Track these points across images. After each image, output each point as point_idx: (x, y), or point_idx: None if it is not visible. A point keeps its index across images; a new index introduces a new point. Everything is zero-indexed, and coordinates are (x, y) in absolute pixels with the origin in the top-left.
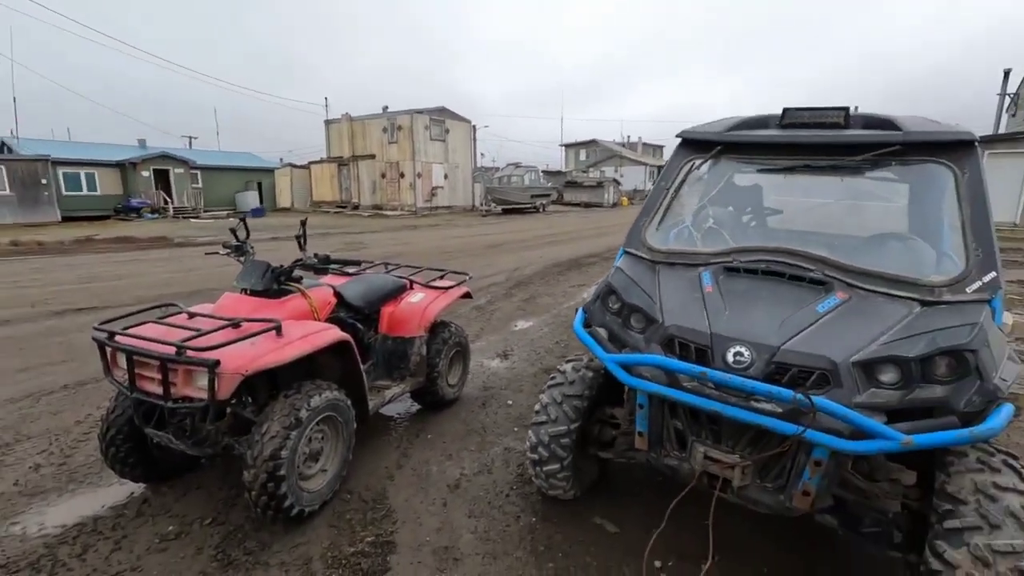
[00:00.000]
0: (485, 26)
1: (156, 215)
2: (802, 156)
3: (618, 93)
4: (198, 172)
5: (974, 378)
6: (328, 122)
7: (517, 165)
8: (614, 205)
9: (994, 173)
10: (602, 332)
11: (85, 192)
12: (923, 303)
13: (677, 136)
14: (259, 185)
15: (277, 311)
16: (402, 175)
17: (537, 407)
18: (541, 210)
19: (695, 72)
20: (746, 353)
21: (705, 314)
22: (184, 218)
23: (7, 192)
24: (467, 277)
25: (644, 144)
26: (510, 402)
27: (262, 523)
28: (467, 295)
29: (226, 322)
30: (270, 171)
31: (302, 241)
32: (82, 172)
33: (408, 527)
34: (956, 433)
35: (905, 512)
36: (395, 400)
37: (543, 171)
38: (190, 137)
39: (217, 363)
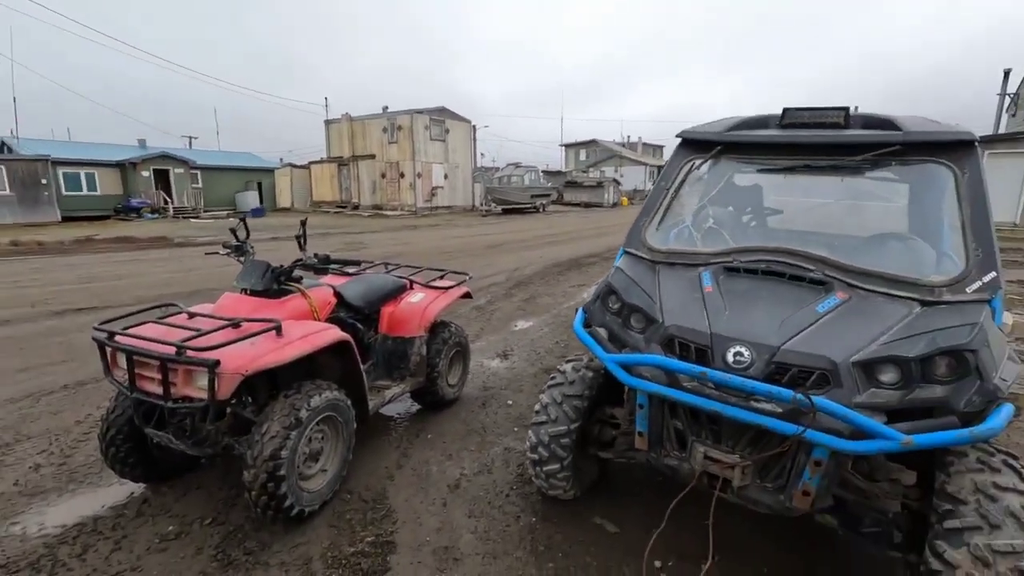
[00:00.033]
0: (485, 26)
1: (156, 215)
2: (802, 156)
3: (618, 93)
4: (198, 172)
5: (974, 378)
6: (328, 122)
7: (517, 165)
8: (614, 205)
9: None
10: (602, 332)
11: (85, 192)
12: (923, 303)
13: (677, 136)
14: (259, 185)
15: (277, 311)
16: (402, 175)
17: (537, 407)
18: (541, 210)
19: (695, 72)
20: (746, 353)
21: (705, 314)
22: (184, 218)
23: (7, 192)
24: (467, 277)
25: (644, 144)
26: (510, 402)
27: (262, 523)
28: (467, 295)
29: (226, 322)
30: (270, 171)
31: (302, 241)
32: (82, 172)
33: (408, 527)
34: (956, 433)
35: (905, 512)
36: (395, 400)
37: (543, 171)
38: (190, 137)
39: (217, 363)
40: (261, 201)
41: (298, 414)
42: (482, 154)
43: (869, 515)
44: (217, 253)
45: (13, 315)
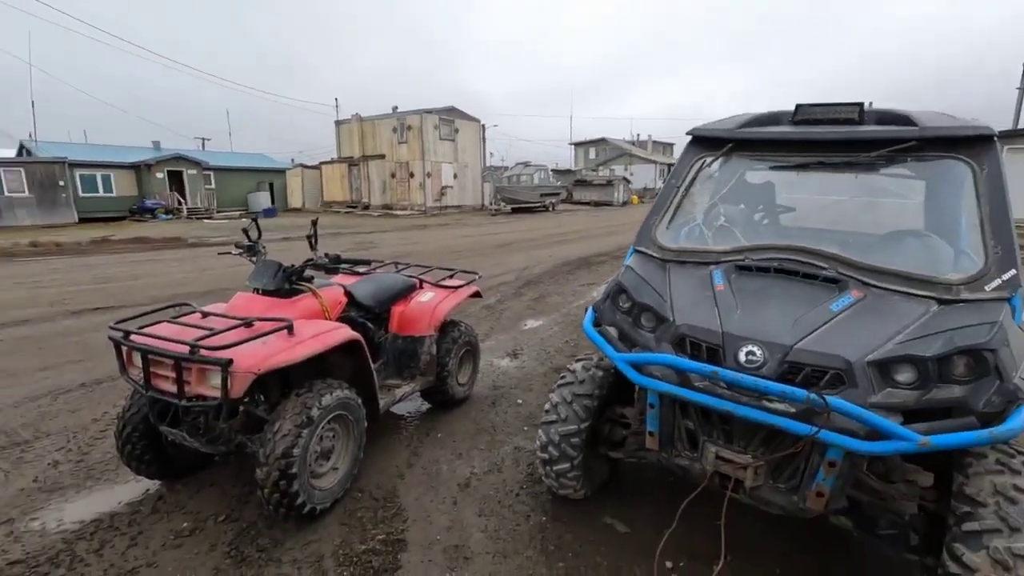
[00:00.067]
0: (493, 26)
1: (170, 216)
2: (815, 153)
3: (628, 91)
4: (211, 173)
5: (993, 378)
6: (339, 122)
7: (526, 164)
8: (624, 204)
9: (1013, 169)
10: (612, 331)
11: (101, 193)
12: (940, 301)
13: (688, 134)
14: (271, 186)
15: (289, 310)
16: (412, 175)
17: (547, 406)
18: (551, 209)
19: (707, 69)
20: (758, 352)
21: (716, 313)
22: (197, 219)
23: (26, 194)
24: (477, 276)
25: (654, 142)
26: (520, 401)
27: (274, 520)
28: (477, 294)
29: (239, 321)
30: (281, 172)
31: (313, 241)
32: (98, 174)
33: (419, 525)
34: (975, 434)
35: (922, 514)
36: (405, 399)
37: (552, 170)
38: (203, 139)
39: (230, 362)
40: (273, 202)
41: (310, 412)
42: (491, 153)
43: (885, 517)
44: (230, 253)
45: (32, 315)
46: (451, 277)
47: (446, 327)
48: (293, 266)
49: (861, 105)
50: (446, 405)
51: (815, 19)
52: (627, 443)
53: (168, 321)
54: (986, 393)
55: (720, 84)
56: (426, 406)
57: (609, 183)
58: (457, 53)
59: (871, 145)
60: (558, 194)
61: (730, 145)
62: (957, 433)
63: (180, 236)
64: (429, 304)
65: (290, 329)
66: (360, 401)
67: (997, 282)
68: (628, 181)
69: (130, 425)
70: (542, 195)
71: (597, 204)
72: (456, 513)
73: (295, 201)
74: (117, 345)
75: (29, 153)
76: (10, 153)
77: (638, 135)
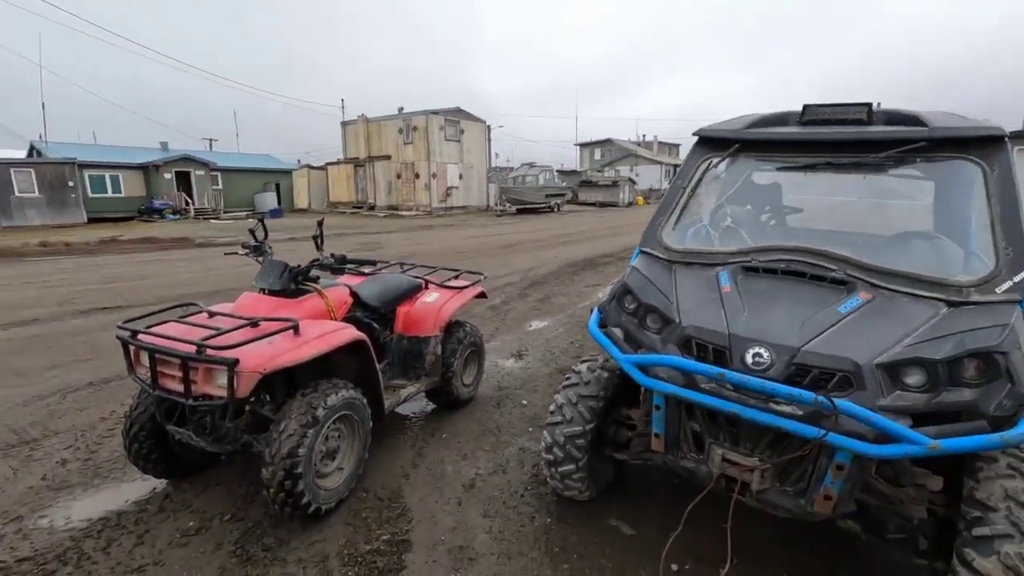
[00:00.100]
0: (500, 27)
1: (178, 216)
2: (823, 153)
3: (634, 91)
4: (218, 174)
5: (1004, 381)
6: (344, 123)
7: (532, 165)
8: (629, 204)
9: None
10: (618, 332)
11: (110, 194)
12: (950, 304)
13: (694, 134)
14: (277, 186)
15: (295, 310)
16: (417, 175)
17: (552, 407)
18: (556, 210)
19: (714, 69)
20: (765, 354)
21: (723, 314)
22: (205, 219)
23: (36, 194)
24: (482, 277)
25: (660, 143)
26: (525, 402)
27: (280, 520)
28: (482, 295)
29: (245, 321)
30: (288, 172)
31: (319, 241)
32: (107, 174)
33: (423, 526)
34: (986, 438)
35: (931, 518)
36: (410, 399)
37: (558, 171)
38: (210, 139)
39: (236, 362)
40: (279, 202)
41: (315, 412)
42: (497, 154)
43: (893, 521)
44: (236, 253)
45: (42, 314)
46: (456, 278)
47: (451, 327)
48: (299, 266)
49: (869, 105)
50: (451, 406)
51: (815, 19)
52: (632, 445)
53: (175, 321)
54: (997, 396)
55: (725, 84)
56: (431, 406)
57: (614, 184)
58: (463, 54)
59: (880, 146)
60: (563, 195)
61: (737, 146)
62: (967, 437)
63: (187, 236)
64: (434, 305)
65: (296, 329)
66: (365, 401)
67: (1008, 284)
68: (634, 182)
69: (137, 424)
70: (547, 196)
71: (602, 205)
72: (461, 514)
73: (301, 202)
74: (125, 344)
75: (39, 154)
76: (21, 154)
77: (644, 136)
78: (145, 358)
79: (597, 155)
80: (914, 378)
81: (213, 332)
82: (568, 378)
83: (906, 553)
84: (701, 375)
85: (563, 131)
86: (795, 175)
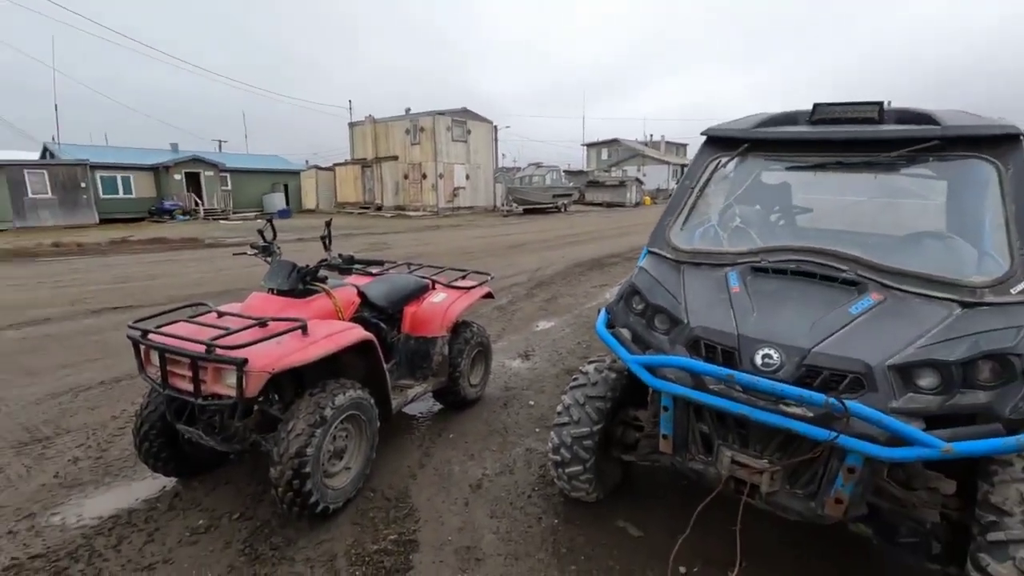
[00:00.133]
0: (506, 27)
1: (187, 217)
2: (833, 152)
3: (640, 91)
4: (227, 175)
5: (1020, 383)
6: (352, 124)
7: (538, 165)
8: (637, 204)
9: None
10: (625, 333)
11: (121, 195)
12: (963, 305)
13: (702, 134)
14: (285, 187)
15: (303, 310)
16: (424, 176)
17: (559, 408)
18: (563, 210)
19: (723, 69)
20: (775, 355)
21: (732, 315)
22: (214, 220)
23: (49, 195)
24: (489, 277)
25: (667, 143)
26: (532, 403)
27: (288, 519)
28: (489, 295)
29: (254, 321)
30: (296, 173)
31: (327, 242)
32: (118, 176)
33: (430, 526)
34: (1001, 441)
35: (944, 522)
36: (417, 399)
37: (564, 171)
38: (220, 141)
39: (245, 361)
40: (287, 203)
41: (323, 412)
42: (503, 154)
43: (906, 525)
44: (245, 254)
45: (54, 314)
46: (463, 278)
47: (458, 328)
48: (307, 266)
49: (881, 104)
50: (458, 406)
51: (816, 19)
52: (640, 446)
53: (185, 320)
54: (1013, 399)
55: (725, 84)
56: (438, 407)
57: (622, 184)
58: (470, 54)
59: (892, 145)
60: (570, 195)
61: (746, 145)
62: (982, 440)
63: (197, 237)
64: (441, 305)
65: (304, 329)
66: (373, 401)
67: (1023, 285)
68: (641, 182)
69: (147, 423)
70: (554, 196)
71: (609, 205)
72: (468, 514)
73: (309, 202)
74: (135, 344)
75: (52, 155)
76: (34, 155)
77: (651, 136)
78: (155, 357)
79: (604, 155)
80: (927, 380)
81: (222, 332)
82: (575, 379)
83: (919, 557)
84: (710, 376)
85: (563, 131)
86: (805, 175)
